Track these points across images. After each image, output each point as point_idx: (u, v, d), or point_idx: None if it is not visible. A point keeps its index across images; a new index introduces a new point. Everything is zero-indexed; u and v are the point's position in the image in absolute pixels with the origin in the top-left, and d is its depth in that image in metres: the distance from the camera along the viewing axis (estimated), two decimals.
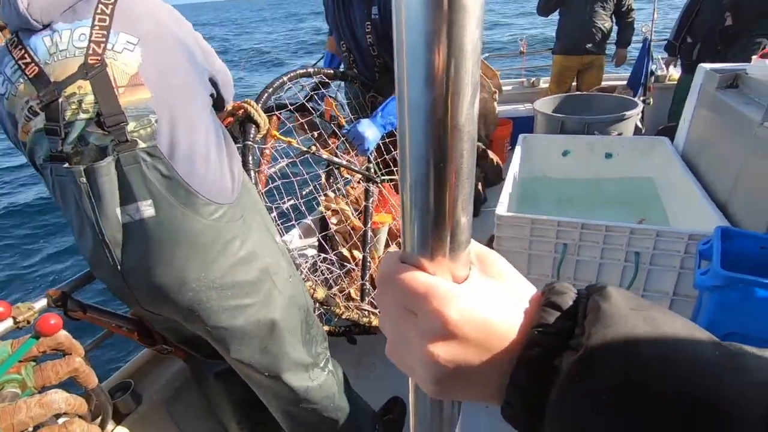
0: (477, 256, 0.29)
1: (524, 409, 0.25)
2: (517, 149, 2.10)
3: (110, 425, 1.16)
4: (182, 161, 0.95)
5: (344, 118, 1.63)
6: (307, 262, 1.52)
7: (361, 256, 1.64)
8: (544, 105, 2.62)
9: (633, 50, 3.69)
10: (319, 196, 1.65)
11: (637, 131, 2.58)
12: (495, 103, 3.67)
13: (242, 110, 1.22)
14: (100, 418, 1.08)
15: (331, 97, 1.65)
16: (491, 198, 3.32)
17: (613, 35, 3.60)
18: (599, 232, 1.42)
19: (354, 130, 1.52)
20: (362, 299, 1.56)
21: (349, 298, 1.53)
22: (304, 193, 1.63)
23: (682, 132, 1.93)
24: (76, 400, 0.83)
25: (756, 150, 1.36)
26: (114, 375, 1.40)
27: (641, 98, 3.20)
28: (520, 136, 2.23)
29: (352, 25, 1.67)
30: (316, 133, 1.56)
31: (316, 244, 1.82)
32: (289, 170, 1.56)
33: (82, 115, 0.89)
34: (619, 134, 2.26)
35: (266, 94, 1.32)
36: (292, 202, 1.58)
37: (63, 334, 0.91)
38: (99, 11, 0.91)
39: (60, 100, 0.88)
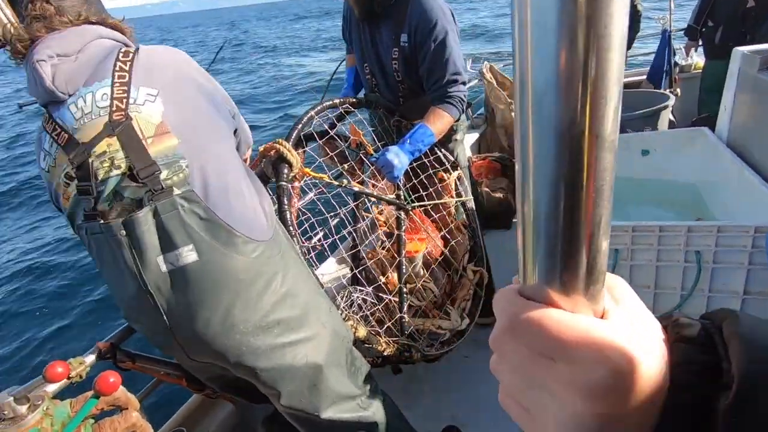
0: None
1: None
2: None
3: None
4: (218, 201, 0.95)
5: (371, 146, 1.62)
6: (343, 297, 1.48)
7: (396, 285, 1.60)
8: None
9: (647, 43, 3.59)
10: (352, 227, 1.63)
11: (670, 125, 2.48)
12: (513, 113, 3.64)
13: (274, 150, 1.22)
14: None
15: (358, 128, 1.64)
16: None
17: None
18: (653, 233, 1.34)
19: (383, 158, 1.50)
20: (402, 333, 1.51)
21: (387, 330, 1.47)
22: (333, 223, 1.62)
23: (723, 120, 1.83)
24: None
25: None
26: (166, 424, 1.39)
27: (668, 90, 3.10)
28: None
29: (379, 49, 1.67)
30: (346, 165, 1.55)
31: (349, 275, 1.79)
32: (316, 199, 1.55)
33: (115, 171, 0.89)
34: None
35: (296, 131, 1.33)
36: (322, 233, 1.57)
37: (120, 390, 0.90)
38: (118, 69, 0.92)
39: (90, 160, 0.89)
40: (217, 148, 0.99)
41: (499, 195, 3.09)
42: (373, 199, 1.71)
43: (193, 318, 0.95)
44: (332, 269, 1.91)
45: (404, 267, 1.56)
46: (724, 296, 1.34)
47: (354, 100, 1.62)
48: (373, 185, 1.69)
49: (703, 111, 2.86)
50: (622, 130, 2.19)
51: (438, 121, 1.61)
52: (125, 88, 0.90)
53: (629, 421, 0.22)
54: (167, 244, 0.90)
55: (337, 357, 1.13)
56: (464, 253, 1.82)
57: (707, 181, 1.86)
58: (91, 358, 1.08)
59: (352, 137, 1.63)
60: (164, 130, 0.91)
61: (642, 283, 1.42)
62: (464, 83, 1.64)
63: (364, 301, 1.47)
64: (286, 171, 1.22)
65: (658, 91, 2.52)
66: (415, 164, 1.70)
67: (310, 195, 1.52)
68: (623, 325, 0.23)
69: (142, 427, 0.93)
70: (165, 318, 0.95)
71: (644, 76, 3.51)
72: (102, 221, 0.90)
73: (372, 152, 1.59)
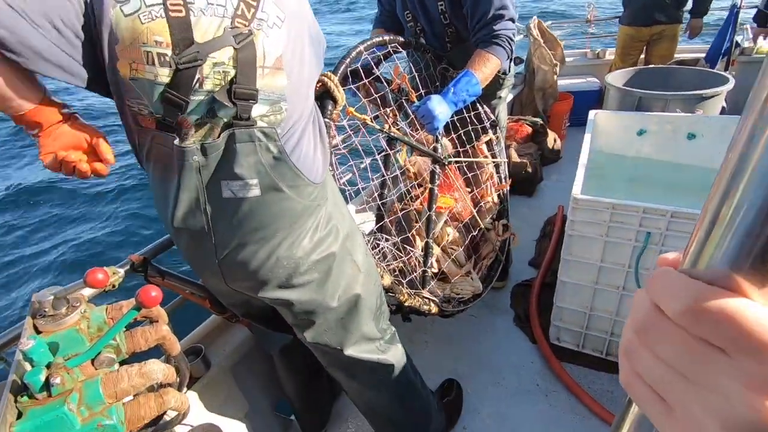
0: None
1: None
2: (589, 126, 1.96)
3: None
4: (293, 143, 0.91)
5: (415, 93, 1.53)
6: (369, 243, 1.48)
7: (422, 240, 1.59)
8: (617, 79, 2.42)
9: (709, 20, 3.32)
10: (382, 174, 1.59)
11: (722, 111, 2.35)
12: (555, 77, 3.46)
13: (320, 84, 1.16)
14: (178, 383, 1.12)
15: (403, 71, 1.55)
16: (546, 177, 3.17)
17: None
18: (692, 222, 1.31)
19: (424, 107, 1.42)
20: (423, 286, 1.52)
21: (410, 282, 1.49)
22: (361, 167, 1.58)
23: None
24: (170, 369, 0.84)
25: None
26: (185, 339, 1.44)
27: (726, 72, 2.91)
28: (591, 113, 2.08)
29: None
30: (389, 110, 1.48)
31: (374, 222, 1.78)
32: (348, 140, 1.49)
33: (224, 87, 0.81)
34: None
35: (344, 65, 1.26)
36: (349, 176, 1.54)
37: None
38: None
39: (200, 70, 0.78)
40: (308, 97, 0.94)
41: (525, 161, 3.01)
42: (405, 147, 1.65)
43: (240, 248, 0.95)
44: (355, 214, 1.90)
45: (433, 222, 1.55)
46: None
47: (403, 40, 1.51)
48: (411, 134, 1.63)
49: None
50: (671, 110, 2.08)
51: (484, 66, 1.49)
52: None
53: None
54: (233, 173, 0.87)
55: (368, 298, 1.15)
56: (492, 215, 1.79)
57: None
58: (124, 269, 1.10)
59: (395, 80, 1.55)
60: (280, 65, 0.84)
61: None
62: (512, 20, 1.48)
63: (389, 250, 1.47)
64: (330, 107, 1.17)
65: (716, 71, 2.36)
66: (455, 117, 1.63)
67: (353, 137, 1.46)
68: None
69: (170, 340, 0.95)
70: (213, 242, 0.94)
71: (703, 54, 3.29)
72: (178, 143, 0.82)
73: (414, 99, 1.52)
